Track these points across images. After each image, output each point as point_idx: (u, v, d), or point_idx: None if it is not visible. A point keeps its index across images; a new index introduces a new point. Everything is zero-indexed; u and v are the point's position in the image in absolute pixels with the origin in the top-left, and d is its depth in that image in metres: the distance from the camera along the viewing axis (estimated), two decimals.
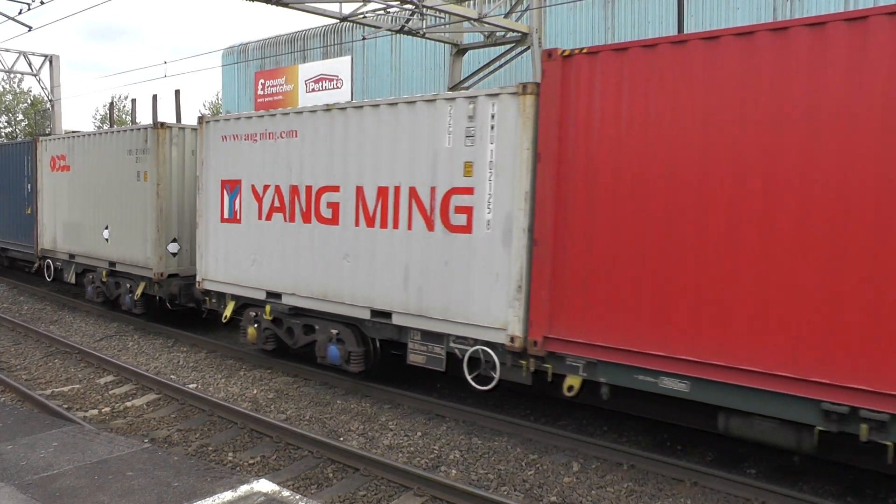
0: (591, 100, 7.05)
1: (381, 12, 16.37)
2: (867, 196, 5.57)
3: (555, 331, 7.36)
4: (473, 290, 8.01)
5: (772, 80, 6.02)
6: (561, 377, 7.46)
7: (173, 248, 12.83)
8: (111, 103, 30.31)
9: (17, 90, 48.75)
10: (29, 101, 47.74)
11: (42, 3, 15.34)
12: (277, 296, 10.22)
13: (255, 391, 9.75)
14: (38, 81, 29.86)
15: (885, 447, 5.67)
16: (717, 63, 6.29)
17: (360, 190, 9.08)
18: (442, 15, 15.91)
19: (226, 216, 10.99)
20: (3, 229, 18.89)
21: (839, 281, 5.66)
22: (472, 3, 15.98)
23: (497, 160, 7.74)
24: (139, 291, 13.36)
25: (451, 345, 8.34)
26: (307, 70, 28.33)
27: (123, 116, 47.11)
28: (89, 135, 15.05)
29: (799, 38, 5.89)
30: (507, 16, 15.92)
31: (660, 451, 7.48)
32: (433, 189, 8.32)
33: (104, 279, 14.42)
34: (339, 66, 27.15)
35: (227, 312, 11.16)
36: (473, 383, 8.20)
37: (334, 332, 9.65)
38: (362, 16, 14.81)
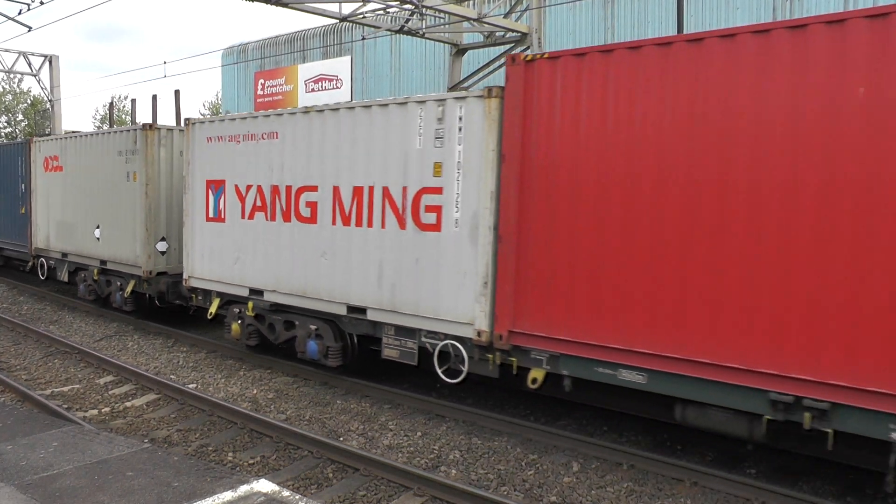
0: (552, 103, 7.33)
1: (381, 12, 16.37)
2: (811, 197, 5.85)
3: (519, 325, 7.62)
4: (443, 286, 8.26)
5: (721, 86, 6.29)
6: (526, 370, 7.70)
7: (162, 246, 13.12)
8: (111, 103, 30.33)
9: (17, 90, 48.77)
10: (29, 102, 47.74)
11: (42, 3, 15.35)
12: (259, 293, 10.53)
13: (254, 391, 9.75)
14: (38, 82, 29.86)
15: (825, 434, 5.91)
16: (671, 68, 6.54)
17: (336, 190, 9.38)
18: (441, 15, 15.91)
19: (211, 215, 11.30)
20: None
21: (786, 279, 5.93)
22: (471, 3, 15.98)
23: (464, 161, 8.03)
24: (129, 289, 13.63)
25: (423, 339, 8.58)
26: (307, 70, 28.33)
27: (123, 117, 47.11)
28: (81, 136, 15.33)
29: (747, 43, 6.18)
30: (506, 16, 15.92)
31: (660, 450, 7.49)
32: (405, 189, 8.60)
33: (95, 277, 14.70)
34: (339, 66, 27.15)
35: (213, 309, 11.47)
36: (443, 376, 8.42)
37: (313, 327, 9.92)
38: (362, 16, 14.81)
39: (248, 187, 10.62)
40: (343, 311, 9.38)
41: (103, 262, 14.30)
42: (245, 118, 10.83)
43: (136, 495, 5.14)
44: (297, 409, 9.00)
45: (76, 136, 15.51)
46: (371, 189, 8.97)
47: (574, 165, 7.17)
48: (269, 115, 10.40)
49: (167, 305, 13.42)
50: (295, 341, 10.27)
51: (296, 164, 9.90)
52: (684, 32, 12.53)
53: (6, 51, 28.38)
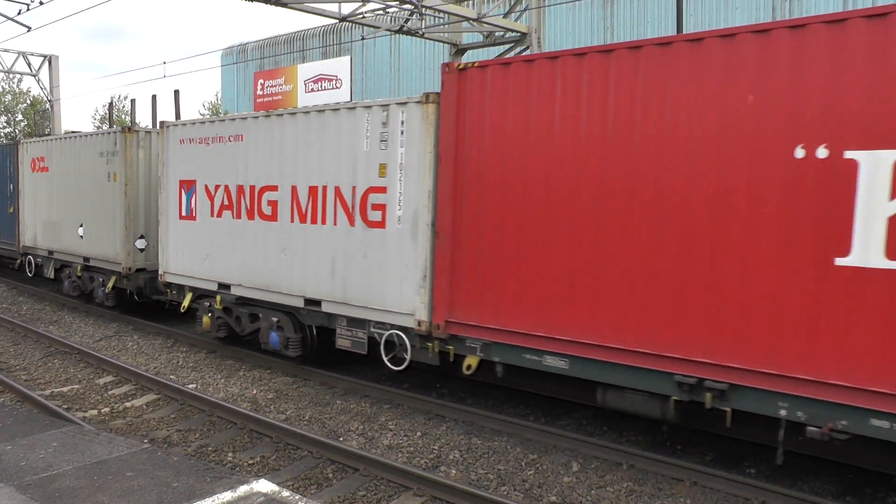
0: (482, 108, 7.85)
1: (381, 12, 16.36)
2: (708, 198, 6.35)
3: (454, 315, 8.15)
4: (388, 279, 8.79)
5: (626, 95, 6.81)
6: (462, 357, 8.21)
7: (140, 244, 13.68)
8: (110, 104, 30.30)
9: (17, 90, 48.72)
10: (28, 102, 47.69)
11: (41, 3, 15.34)
12: (227, 287, 11.08)
13: (254, 391, 9.74)
14: (38, 82, 29.84)
15: (725, 413, 6.42)
16: (585, 76, 7.05)
17: (294, 189, 9.93)
18: (441, 15, 15.90)
19: (183, 214, 11.87)
20: None
21: (687, 272, 6.47)
22: (471, 3, 15.97)
23: (406, 162, 8.55)
24: (110, 285, 14.23)
25: (372, 330, 9.11)
26: (306, 70, 28.33)
27: (123, 117, 47.05)
28: (65, 138, 15.93)
29: (652, 53, 6.69)
30: (506, 16, 15.91)
31: (659, 450, 7.49)
32: (354, 188, 9.14)
33: (79, 274, 15.31)
34: (339, 66, 27.16)
35: (185, 303, 12.07)
36: (389, 364, 8.94)
37: (275, 319, 10.51)
38: (361, 16, 14.80)
39: (217, 187, 11.16)
40: (301, 303, 9.89)
41: (86, 260, 14.88)
42: (213, 121, 11.45)
43: (136, 495, 5.14)
44: (296, 409, 9.00)
45: (61, 138, 16.13)
46: (325, 189, 9.50)
47: (501, 167, 7.68)
48: (234, 119, 10.99)
49: (145, 300, 13.98)
50: (259, 333, 10.81)
51: (259, 165, 10.44)
52: (684, 32, 12.53)
53: (5, 51, 28.36)
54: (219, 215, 11.13)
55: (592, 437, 7.83)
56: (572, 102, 7.15)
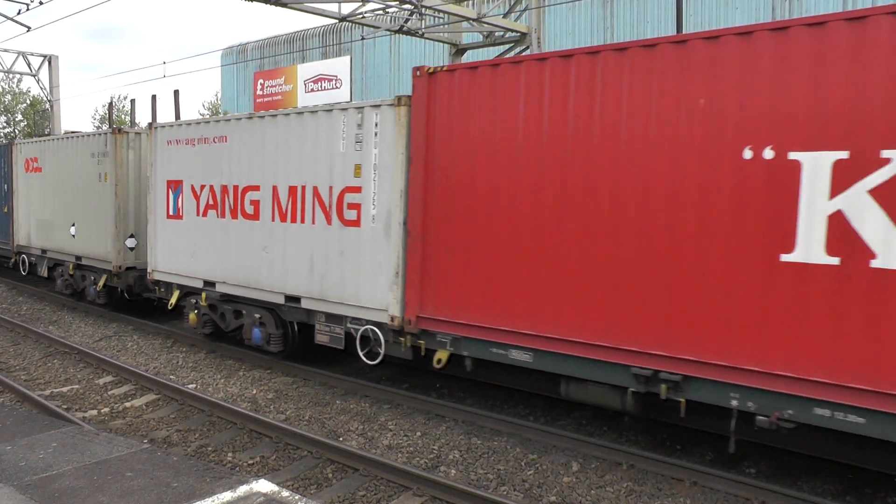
0: (451, 111, 8.13)
1: (380, 12, 16.36)
2: (662, 200, 6.61)
3: (425, 311, 8.44)
4: (363, 276, 9.09)
5: (581, 97, 7.10)
6: (433, 351, 8.47)
7: (131, 242, 14.01)
8: (110, 104, 30.30)
9: (17, 90, 48.68)
10: (28, 102, 47.65)
11: (41, 3, 15.34)
12: (212, 284, 11.39)
13: (254, 391, 9.74)
14: (38, 82, 29.84)
15: (679, 403, 6.70)
16: (547, 80, 7.33)
17: (275, 189, 10.24)
18: (441, 15, 15.90)
19: (171, 213, 12.17)
20: None
21: (643, 269, 6.72)
22: (470, 3, 15.97)
23: (380, 162, 8.83)
24: (101, 283, 14.51)
25: (348, 325, 9.40)
26: (306, 70, 28.33)
27: (123, 117, 47.02)
28: (58, 139, 16.32)
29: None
30: (506, 16, 15.91)
31: (659, 450, 7.48)
32: (331, 188, 9.44)
33: (71, 272, 15.63)
34: (338, 66, 27.16)
35: (173, 300, 12.35)
36: (364, 359, 9.24)
37: (257, 316, 10.80)
38: (361, 16, 14.80)
39: (202, 187, 11.48)
40: (281, 300, 10.21)
41: (78, 258, 15.20)
42: (199, 123, 11.74)
43: (136, 496, 5.14)
44: (296, 409, 9.00)
45: (54, 139, 16.50)
46: (304, 188, 9.81)
47: (469, 168, 7.97)
48: (219, 121, 11.35)
49: (136, 298, 14.30)
50: (243, 329, 11.13)
51: (242, 166, 10.74)
52: (684, 32, 12.53)
53: (5, 51, 28.36)
54: (204, 214, 11.44)
55: (592, 437, 7.83)
56: (535, 105, 7.42)
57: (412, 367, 10.17)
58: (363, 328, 9.13)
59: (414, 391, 9.55)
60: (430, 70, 8.28)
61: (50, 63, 29.68)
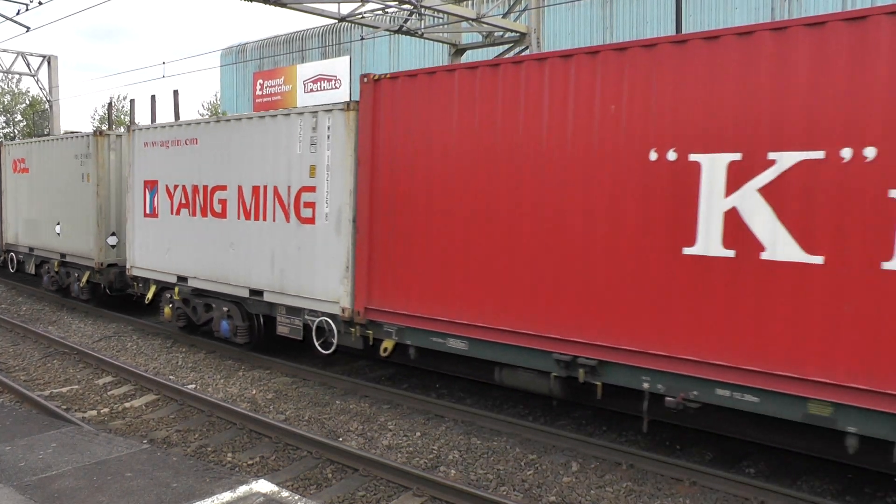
0: (394, 115, 8.66)
1: (380, 12, 16.36)
2: (578, 202, 7.13)
3: (373, 302, 8.97)
4: (317, 270, 9.61)
5: (507, 103, 7.63)
6: (381, 341, 9.02)
7: (112, 240, 14.54)
8: (109, 104, 30.28)
9: (16, 91, 48.65)
10: (27, 102, 47.61)
11: (40, 3, 15.33)
12: (185, 279, 11.97)
13: (253, 391, 9.74)
14: (37, 82, 29.82)
15: (595, 386, 7.21)
16: (477, 88, 7.85)
17: (240, 189, 10.81)
18: (440, 15, 15.90)
19: (147, 212, 12.77)
20: None
21: (563, 262, 7.26)
22: (470, 3, 15.97)
23: (332, 163, 9.37)
24: (84, 279, 15.03)
25: (306, 317, 9.92)
26: (305, 70, 28.33)
27: (122, 117, 47.00)
28: (44, 141, 16.96)
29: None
30: (505, 16, 15.91)
31: (659, 450, 7.49)
32: (289, 188, 10.00)
33: (56, 269, 16.21)
34: (338, 66, 27.15)
35: (149, 295, 12.93)
36: (320, 349, 9.81)
37: (225, 309, 11.34)
38: (361, 16, 14.80)
39: (176, 187, 12.07)
40: (246, 293, 10.78)
41: (63, 256, 15.73)
42: (173, 126, 12.28)
43: (136, 496, 5.14)
44: (296, 409, 9.00)
45: (40, 141, 17.11)
46: (265, 188, 10.39)
47: (409, 168, 8.50)
48: (190, 124, 11.90)
49: (117, 293, 14.82)
50: (212, 322, 11.66)
51: (211, 167, 11.32)
52: (683, 33, 12.54)
53: (4, 51, 28.34)
54: (177, 213, 12.02)
55: (592, 437, 7.83)
56: (468, 111, 7.94)
57: (412, 366, 10.17)
58: (318, 319, 9.68)
59: (413, 391, 9.55)
60: (376, 77, 8.86)
61: (49, 63, 29.67)
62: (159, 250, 12.45)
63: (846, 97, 5.65)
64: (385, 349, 8.95)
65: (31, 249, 17.10)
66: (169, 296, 12.52)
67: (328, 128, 9.40)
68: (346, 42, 26.37)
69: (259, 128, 10.48)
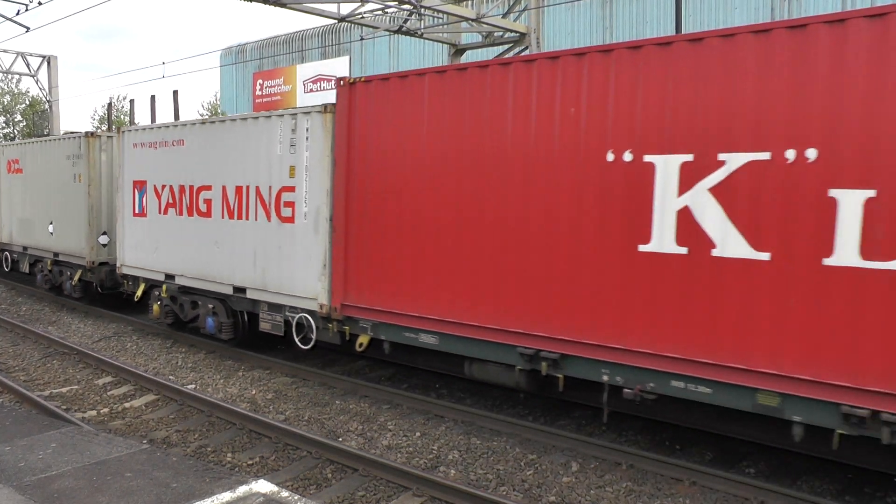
0: (367, 117, 8.94)
1: (380, 13, 16.36)
2: (539, 202, 7.43)
3: (349, 299, 9.26)
4: (297, 268, 9.90)
5: (474, 106, 7.90)
6: (357, 336, 9.30)
7: (103, 239, 14.81)
8: (109, 104, 30.25)
9: (16, 91, 48.62)
10: (27, 102, 47.59)
11: (40, 3, 15.33)
12: (172, 277, 12.26)
13: (253, 391, 9.74)
14: (37, 82, 29.81)
15: (555, 378, 7.50)
16: (447, 91, 8.11)
17: (224, 189, 11.09)
18: (440, 15, 15.90)
19: (136, 211, 13.07)
20: None
21: (526, 260, 7.51)
22: (470, 3, 15.97)
23: (310, 164, 9.64)
24: (76, 278, 15.36)
25: (287, 313, 10.21)
26: (305, 70, 28.32)
27: (122, 117, 46.98)
28: (37, 142, 17.33)
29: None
30: (505, 16, 15.91)
31: (658, 450, 7.49)
32: (270, 188, 10.29)
33: (49, 268, 16.55)
34: (338, 66, 27.14)
35: (139, 292, 13.25)
36: (299, 344, 10.08)
37: (210, 306, 11.64)
38: (360, 16, 14.80)
39: (164, 187, 12.36)
40: (230, 291, 11.05)
41: (56, 255, 16.04)
42: (160, 127, 12.58)
43: (135, 496, 5.14)
44: (295, 409, 9.00)
45: (34, 142, 17.48)
46: (248, 188, 10.68)
47: (382, 169, 8.77)
48: (177, 126, 12.19)
49: (108, 291, 15.08)
50: (198, 318, 11.94)
51: (196, 167, 11.61)
52: (683, 33, 12.55)
53: (4, 51, 28.33)
54: (165, 212, 12.31)
55: (592, 437, 7.83)
56: (437, 114, 8.20)
57: (411, 367, 10.16)
58: (298, 316, 9.99)
59: (413, 391, 9.55)
60: (351, 80, 9.11)
61: (49, 63, 29.66)
62: (148, 249, 12.75)
63: (790, 101, 5.91)
64: (361, 344, 9.24)
65: (26, 248, 17.44)
66: (157, 293, 12.80)
67: (307, 129, 9.67)
68: (345, 42, 26.38)
69: (242, 129, 10.74)
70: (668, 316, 6.56)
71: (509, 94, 7.58)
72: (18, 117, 48.05)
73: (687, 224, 6.44)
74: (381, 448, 7.69)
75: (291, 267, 9.97)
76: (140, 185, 12.89)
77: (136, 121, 20.35)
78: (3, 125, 48.14)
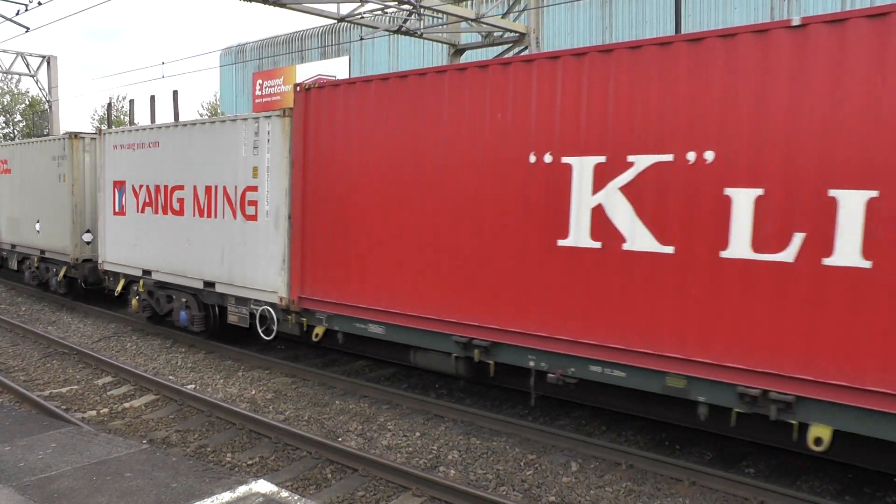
0: (320, 122, 9.49)
1: (379, 13, 16.36)
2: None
3: (306, 292, 9.83)
4: (260, 263, 10.47)
5: (416, 111, 8.38)
6: (313, 327, 9.84)
7: (87, 237, 15.34)
8: (109, 104, 30.26)
9: (15, 91, 48.63)
10: (27, 102, 47.60)
11: (40, 3, 15.33)
12: (149, 273, 12.82)
13: (253, 391, 9.74)
14: (36, 82, 29.81)
15: (488, 365, 8.01)
16: (392, 96, 8.60)
17: (195, 188, 11.66)
18: (439, 15, 15.90)
19: (116, 210, 13.62)
20: None
21: (456, 254, 8.07)
22: (469, 3, 15.97)
23: (271, 165, 10.21)
24: (61, 274, 15.88)
25: (251, 307, 10.75)
26: (305, 70, 28.31)
27: (122, 117, 46.97)
28: (24, 143, 18.03)
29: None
30: (504, 16, 15.91)
31: (658, 450, 7.49)
32: (236, 187, 10.86)
33: (37, 265, 17.16)
34: (337, 66, 27.14)
35: (118, 288, 13.79)
36: (262, 335, 10.61)
37: (184, 300, 12.22)
38: (360, 16, 14.80)
39: (141, 186, 12.91)
40: (201, 285, 11.60)
41: (42, 252, 16.63)
42: (138, 129, 13.18)
43: (135, 496, 5.14)
44: (295, 409, 9.00)
45: (21, 143, 18.15)
46: (216, 188, 11.22)
47: (333, 170, 9.31)
48: (153, 128, 12.82)
49: (91, 287, 15.51)
50: (173, 312, 12.52)
51: (171, 168, 12.17)
52: (682, 33, 12.55)
53: (4, 51, 28.32)
54: (142, 211, 12.87)
55: (591, 437, 7.83)
56: (383, 118, 8.69)
57: (411, 367, 10.15)
58: (261, 308, 10.52)
59: (413, 391, 9.55)
60: (306, 86, 9.68)
61: (49, 64, 29.65)
62: (127, 246, 13.33)
63: (689, 107, 6.42)
64: (317, 335, 9.83)
65: (14, 246, 18.11)
66: (135, 288, 13.35)
67: (268, 132, 10.22)
68: (345, 42, 26.38)
69: (211, 132, 11.32)
70: (585, 305, 7.08)
71: (445, 101, 8.09)
72: (18, 117, 48.05)
73: (600, 220, 6.96)
74: (381, 448, 7.69)
75: (255, 262, 10.52)
76: (120, 185, 13.42)
77: (135, 121, 20.35)
78: (3, 125, 48.14)
